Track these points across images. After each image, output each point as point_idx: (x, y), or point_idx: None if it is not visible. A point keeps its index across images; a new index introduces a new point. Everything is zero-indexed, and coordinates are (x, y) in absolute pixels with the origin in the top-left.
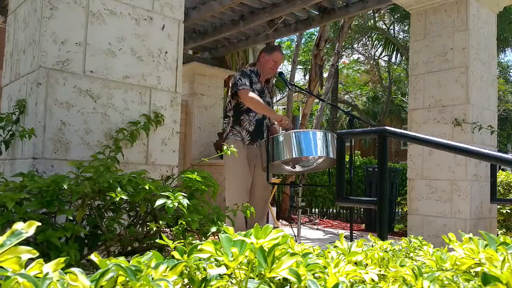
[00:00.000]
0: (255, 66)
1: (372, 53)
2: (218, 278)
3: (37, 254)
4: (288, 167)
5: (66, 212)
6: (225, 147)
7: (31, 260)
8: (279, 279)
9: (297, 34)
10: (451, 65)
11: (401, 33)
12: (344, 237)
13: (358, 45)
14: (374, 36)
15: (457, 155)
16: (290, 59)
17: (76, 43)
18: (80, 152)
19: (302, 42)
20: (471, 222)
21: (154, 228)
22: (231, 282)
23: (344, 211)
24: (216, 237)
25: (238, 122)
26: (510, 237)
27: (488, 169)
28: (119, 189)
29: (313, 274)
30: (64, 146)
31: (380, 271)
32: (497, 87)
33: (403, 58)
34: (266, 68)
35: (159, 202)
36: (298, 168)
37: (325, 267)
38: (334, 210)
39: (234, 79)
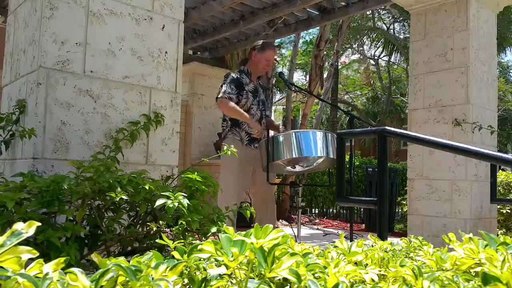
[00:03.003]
0: (246, 65)
1: (371, 53)
2: (218, 278)
3: (37, 254)
4: (288, 167)
5: (66, 212)
6: (225, 147)
7: (31, 260)
8: (279, 279)
9: (295, 34)
10: (451, 65)
11: (401, 33)
12: (344, 237)
13: (357, 45)
14: (374, 36)
15: (457, 155)
16: (288, 60)
17: (76, 43)
18: (80, 152)
19: (301, 45)
20: (471, 222)
21: (154, 228)
22: (231, 282)
23: (344, 211)
24: (216, 237)
25: (237, 124)
26: (510, 237)
27: (488, 169)
28: (119, 189)
29: (313, 274)
30: (64, 146)
31: (380, 271)
32: (497, 87)
33: (403, 58)
34: (258, 67)
35: (159, 202)
36: (298, 168)
37: (325, 267)
38: (334, 210)
39: (220, 85)
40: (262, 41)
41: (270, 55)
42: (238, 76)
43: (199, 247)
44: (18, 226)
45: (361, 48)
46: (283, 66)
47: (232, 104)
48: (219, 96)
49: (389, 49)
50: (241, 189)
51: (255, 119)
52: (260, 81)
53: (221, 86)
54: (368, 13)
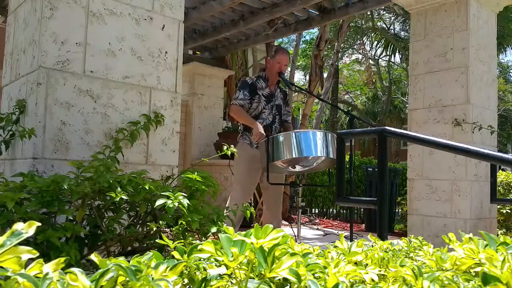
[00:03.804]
0: (265, 71)
1: (372, 53)
2: (218, 278)
3: (37, 254)
4: (288, 167)
5: (66, 212)
6: (225, 147)
7: (31, 260)
8: (279, 279)
9: (296, 34)
10: (451, 65)
11: (402, 32)
12: (344, 237)
13: (357, 45)
14: (373, 36)
15: (457, 155)
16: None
17: (76, 43)
18: (80, 152)
19: (302, 46)
20: (471, 222)
21: (154, 228)
22: (231, 282)
23: (344, 211)
24: (216, 237)
25: (248, 128)
26: (510, 237)
27: (488, 169)
28: (119, 189)
29: (313, 274)
30: (64, 146)
31: (380, 271)
32: (497, 87)
33: (403, 58)
34: (273, 72)
35: (159, 202)
36: (298, 168)
37: (325, 267)
38: (334, 210)
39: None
40: (273, 47)
41: (281, 58)
42: (254, 81)
43: (199, 247)
44: (18, 226)
45: (363, 47)
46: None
47: (240, 110)
48: (231, 102)
49: (389, 49)
50: (250, 189)
51: (265, 123)
52: (278, 90)
53: (235, 92)
54: (368, 13)
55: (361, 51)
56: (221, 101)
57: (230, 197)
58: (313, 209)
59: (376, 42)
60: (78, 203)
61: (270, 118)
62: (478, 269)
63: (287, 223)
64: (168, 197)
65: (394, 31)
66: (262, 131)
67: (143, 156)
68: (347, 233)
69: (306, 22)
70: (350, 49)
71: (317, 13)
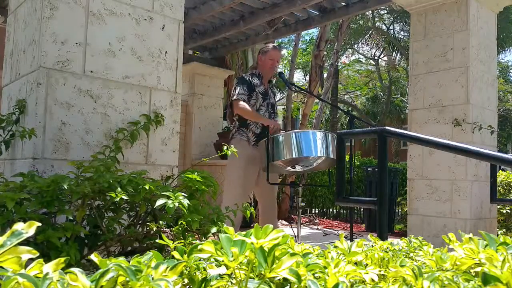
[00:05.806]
0: (257, 69)
1: (372, 54)
2: (218, 278)
3: (37, 254)
4: (288, 167)
5: (66, 212)
6: (225, 147)
7: (31, 260)
8: (279, 279)
9: (295, 34)
10: (451, 65)
11: (401, 32)
12: (344, 237)
13: (358, 45)
14: (373, 37)
15: (457, 155)
16: (288, 60)
17: (76, 43)
18: (80, 152)
19: (302, 46)
20: (471, 222)
21: (154, 228)
22: (231, 282)
23: (344, 211)
24: (216, 237)
25: (245, 125)
26: (510, 237)
27: (488, 169)
28: (119, 189)
29: (313, 274)
30: (64, 146)
31: (380, 271)
32: (497, 87)
33: (403, 58)
34: (265, 69)
35: (160, 202)
36: (298, 168)
37: (325, 267)
38: (334, 210)
39: (233, 87)
40: (265, 45)
41: (273, 54)
42: (249, 78)
43: (199, 247)
44: (18, 226)
45: (376, 39)
46: (284, 66)
47: (246, 106)
48: (233, 98)
49: (389, 49)
50: (247, 189)
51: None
52: (270, 88)
53: (235, 88)
54: (368, 13)
55: (365, 48)
56: (221, 101)
57: (226, 197)
58: (313, 209)
59: (376, 42)
60: (78, 203)
61: (266, 116)
62: (478, 269)
63: (287, 223)
64: (168, 197)
65: (394, 31)
66: (276, 123)
67: (143, 156)
68: (347, 233)
69: (306, 22)
70: (350, 49)
71: (317, 13)
